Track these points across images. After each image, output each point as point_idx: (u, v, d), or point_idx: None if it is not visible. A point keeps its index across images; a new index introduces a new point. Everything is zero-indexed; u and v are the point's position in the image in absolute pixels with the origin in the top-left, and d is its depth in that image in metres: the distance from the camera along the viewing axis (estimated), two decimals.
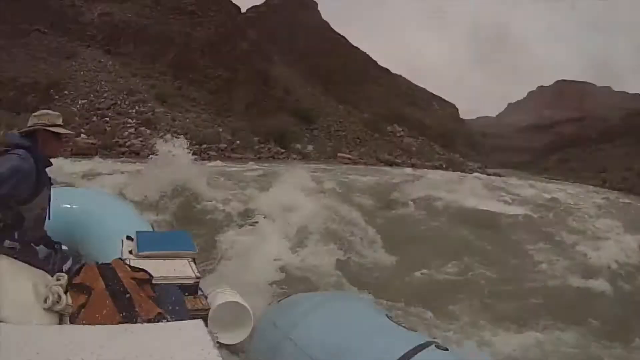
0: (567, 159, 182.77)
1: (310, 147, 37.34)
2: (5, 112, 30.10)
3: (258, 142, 37.79)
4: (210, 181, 11.17)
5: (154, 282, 2.26)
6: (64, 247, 2.71)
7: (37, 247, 2.48)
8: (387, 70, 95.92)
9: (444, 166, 53.88)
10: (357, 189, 14.76)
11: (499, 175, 52.34)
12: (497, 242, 8.77)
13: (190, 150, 11.60)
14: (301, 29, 79.70)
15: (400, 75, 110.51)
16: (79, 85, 39.37)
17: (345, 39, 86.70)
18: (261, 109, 46.93)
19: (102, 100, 38.77)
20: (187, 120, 38.90)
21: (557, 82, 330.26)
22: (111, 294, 1.99)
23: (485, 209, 12.29)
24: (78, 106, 36.79)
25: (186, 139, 13.19)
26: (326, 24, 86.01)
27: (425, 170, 31.33)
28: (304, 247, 6.49)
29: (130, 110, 38.25)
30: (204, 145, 32.53)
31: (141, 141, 31.68)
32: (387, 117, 70.69)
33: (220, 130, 37.60)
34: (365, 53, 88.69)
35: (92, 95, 38.73)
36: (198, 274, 2.64)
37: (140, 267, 2.32)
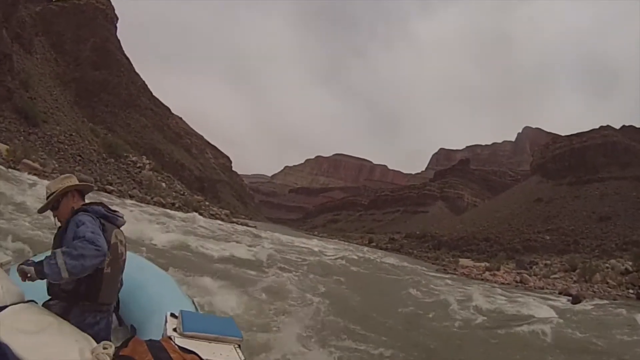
0: (337, 220, 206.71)
1: (2, 146, 36.86)
2: None
3: None
4: None
5: None
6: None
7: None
8: (166, 107, 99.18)
9: (176, 205, 55.06)
10: None
11: (247, 225, 53.76)
12: None
13: None
14: (89, 35, 78.14)
15: (180, 117, 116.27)
16: None
17: (130, 62, 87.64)
18: None
19: None
20: None
21: (336, 154, 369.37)
22: None
23: None
24: None
25: None
26: (117, 42, 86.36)
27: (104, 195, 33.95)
28: None
29: None
30: None
31: None
32: (139, 147, 73.07)
33: None
34: (144, 82, 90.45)
35: None
36: None
37: (185, 346, 2.29)
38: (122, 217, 2.85)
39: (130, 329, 3.19)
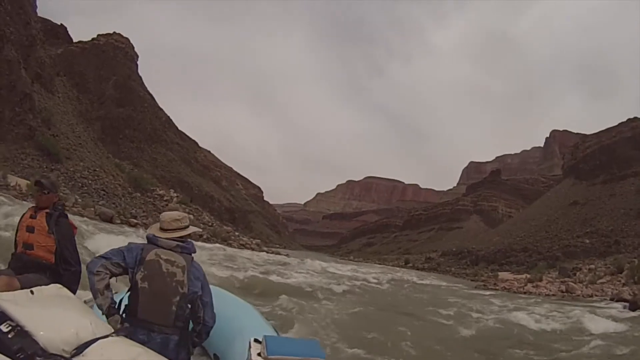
0: (372, 243, 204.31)
1: (23, 181, 35.71)
2: None
3: None
4: None
5: None
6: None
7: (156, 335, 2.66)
8: (193, 141, 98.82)
9: (204, 236, 54.15)
10: None
11: (278, 253, 53.17)
12: None
13: None
14: (110, 73, 78.58)
15: (209, 151, 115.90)
16: None
17: (152, 97, 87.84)
18: (1, 130, 43.77)
19: None
20: None
21: (366, 177, 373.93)
22: None
23: None
24: None
25: None
26: (139, 78, 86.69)
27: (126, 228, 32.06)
28: None
29: None
30: None
31: None
32: (167, 181, 71.71)
33: None
34: (168, 117, 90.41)
35: None
36: None
37: None
38: (172, 240, 2.83)
39: (213, 358, 3.25)
